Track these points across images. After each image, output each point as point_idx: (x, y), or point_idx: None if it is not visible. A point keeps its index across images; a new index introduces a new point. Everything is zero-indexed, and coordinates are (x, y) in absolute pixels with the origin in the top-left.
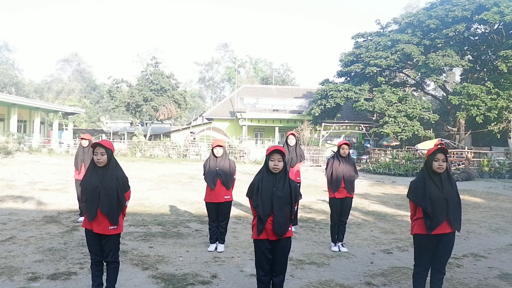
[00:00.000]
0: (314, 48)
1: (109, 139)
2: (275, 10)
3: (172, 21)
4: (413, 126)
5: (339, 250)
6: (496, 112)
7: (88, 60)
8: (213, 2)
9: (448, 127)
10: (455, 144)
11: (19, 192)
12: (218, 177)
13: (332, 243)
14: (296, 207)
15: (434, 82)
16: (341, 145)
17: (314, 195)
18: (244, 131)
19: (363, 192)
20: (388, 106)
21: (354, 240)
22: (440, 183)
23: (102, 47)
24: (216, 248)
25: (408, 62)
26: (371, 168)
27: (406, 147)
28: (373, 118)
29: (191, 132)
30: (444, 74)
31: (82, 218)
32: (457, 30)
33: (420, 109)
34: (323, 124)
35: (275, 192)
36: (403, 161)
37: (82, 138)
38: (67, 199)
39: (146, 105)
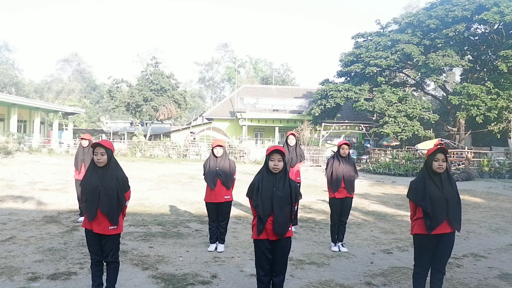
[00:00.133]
0: (314, 48)
1: (109, 139)
2: (275, 10)
3: (172, 21)
4: (413, 126)
5: (339, 250)
6: (496, 112)
7: (88, 60)
8: (213, 2)
9: (448, 127)
10: (455, 144)
11: (19, 192)
12: (218, 177)
13: (332, 243)
14: (296, 207)
15: (434, 82)
16: (341, 145)
17: (314, 195)
18: (244, 131)
19: (363, 192)
20: (388, 106)
21: (354, 240)
22: (440, 183)
23: (102, 47)
24: (216, 248)
25: (408, 62)
26: (371, 168)
27: (406, 147)
28: (373, 118)
29: (191, 132)
30: (444, 74)
31: (82, 218)
32: (457, 30)
33: (420, 109)
34: (323, 124)
35: (275, 192)
36: (403, 161)
37: (82, 138)
38: (67, 199)
39: (146, 105)
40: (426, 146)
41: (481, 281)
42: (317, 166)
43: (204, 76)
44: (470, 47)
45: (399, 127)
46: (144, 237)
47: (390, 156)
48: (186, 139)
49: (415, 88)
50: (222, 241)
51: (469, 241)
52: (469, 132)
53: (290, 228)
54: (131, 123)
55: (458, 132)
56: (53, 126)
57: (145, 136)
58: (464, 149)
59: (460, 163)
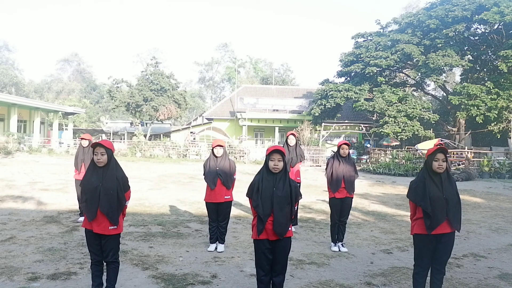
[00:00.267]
0: (314, 48)
1: (109, 139)
2: (275, 10)
3: (172, 21)
4: (413, 126)
5: (339, 250)
6: (496, 112)
7: (88, 60)
8: (213, 2)
9: (448, 127)
10: (455, 144)
11: (19, 192)
12: (218, 177)
13: (332, 243)
14: (296, 207)
15: (434, 82)
16: (341, 145)
17: (314, 195)
18: (244, 131)
19: (363, 192)
20: (388, 106)
21: (354, 240)
22: (440, 183)
23: (102, 47)
24: (216, 248)
25: (408, 62)
26: (371, 168)
27: (406, 147)
28: (373, 118)
29: (191, 132)
30: (444, 74)
31: (82, 218)
32: (457, 30)
33: (420, 109)
34: (323, 124)
35: (275, 192)
36: (403, 161)
37: (82, 138)
38: (67, 199)
39: (146, 105)
40: (426, 146)
41: (481, 281)
42: (317, 166)
43: (204, 76)
44: (470, 47)
45: (399, 127)
46: (144, 237)
47: (390, 156)
48: (186, 139)
49: (415, 88)
50: (222, 241)
51: (469, 241)
52: (469, 132)
53: (290, 228)
54: (131, 123)
55: (458, 132)
56: (53, 126)
57: (145, 136)
58: (464, 149)
59: (460, 163)
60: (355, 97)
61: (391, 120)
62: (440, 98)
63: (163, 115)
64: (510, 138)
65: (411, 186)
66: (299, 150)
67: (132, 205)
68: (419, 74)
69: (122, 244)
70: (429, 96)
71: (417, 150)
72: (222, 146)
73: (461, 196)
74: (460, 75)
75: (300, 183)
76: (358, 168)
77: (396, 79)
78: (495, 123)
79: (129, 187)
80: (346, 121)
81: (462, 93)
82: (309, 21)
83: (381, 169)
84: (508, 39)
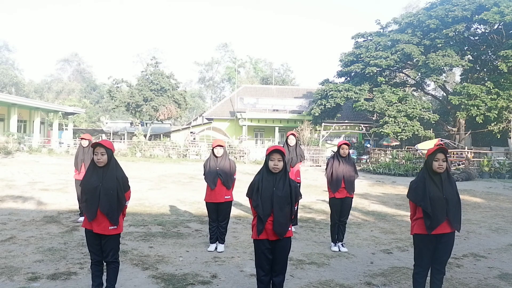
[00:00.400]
0: (314, 48)
1: (109, 139)
2: (275, 10)
3: (172, 21)
4: (413, 126)
5: (339, 250)
6: (496, 112)
7: (88, 60)
8: (213, 2)
9: (448, 127)
10: (455, 144)
11: (19, 192)
12: (219, 177)
13: (332, 243)
14: (296, 207)
15: (434, 82)
16: (341, 145)
17: (314, 195)
18: (244, 131)
19: (363, 192)
20: (388, 106)
21: (354, 240)
22: (440, 183)
23: (102, 47)
24: (216, 248)
25: (408, 62)
26: (371, 168)
27: (406, 147)
28: (373, 118)
29: (191, 132)
30: (444, 74)
31: (82, 218)
32: (457, 30)
33: (420, 109)
34: (323, 124)
35: (275, 192)
36: (403, 161)
37: (82, 138)
38: (67, 199)
39: (146, 105)
40: (426, 146)
41: (481, 281)
42: (317, 166)
43: (204, 76)
44: (470, 47)
45: (399, 127)
46: (144, 237)
47: (390, 156)
48: (186, 139)
49: (415, 88)
50: (222, 241)
51: (469, 241)
52: (469, 132)
53: (290, 228)
54: (131, 123)
55: (458, 132)
56: (53, 126)
57: (145, 136)
58: (464, 149)
59: (460, 163)
60: (355, 97)
61: (391, 120)
62: (440, 98)
63: (163, 115)
64: (510, 138)
65: (411, 186)
66: (299, 150)
67: (132, 205)
68: (419, 74)
69: (122, 244)
70: (429, 96)
71: (417, 150)
72: (222, 146)
73: (461, 196)
74: (460, 75)
75: (300, 183)
76: (358, 168)
77: (396, 79)
78: (495, 123)
79: (129, 187)
80: (346, 121)
81: (462, 93)
82: (309, 21)
83: (381, 169)
84: (508, 39)
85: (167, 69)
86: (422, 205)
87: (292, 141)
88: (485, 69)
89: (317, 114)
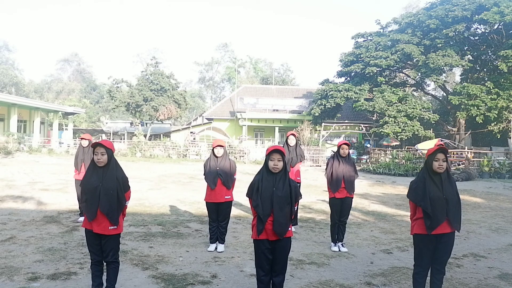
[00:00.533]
0: (314, 48)
1: (109, 139)
2: (275, 10)
3: (172, 21)
4: (413, 126)
5: (339, 250)
6: (496, 112)
7: (88, 60)
8: (213, 2)
9: (448, 127)
10: (455, 144)
11: (19, 192)
12: (219, 177)
13: (332, 243)
14: (296, 207)
15: (434, 82)
16: (341, 145)
17: (314, 195)
18: (244, 131)
19: (363, 192)
20: (388, 106)
21: (354, 240)
22: (440, 183)
23: (102, 47)
24: (216, 248)
25: (408, 62)
26: (371, 168)
27: (406, 147)
28: (373, 118)
29: (191, 132)
30: (444, 74)
31: (82, 218)
32: (457, 30)
33: (420, 109)
34: (323, 124)
35: (275, 192)
36: (403, 161)
37: (82, 138)
38: (67, 199)
39: (146, 105)
40: (426, 146)
41: (481, 281)
42: (317, 166)
43: (204, 76)
44: (470, 47)
45: (399, 127)
46: (144, 237)
47: (390, 156)
48: (186, 139)
49: (415, 88)
50: (222, 241)
51: (469, 241)
52: (469, 132)
53: (290, 228)
54: (131, 123)
55: (458, 132)
56: (53, 126)
57: (145, 136)
58: (464, 149)
59: (460, 163)
60: (355, 97)
61: (391, 120)
62: (440, 98)
63: (163, 115)
64: (510, 138)
65: (411, 186)
66: (299, 150)
67: (132, 205)
68: (419, 74)
69: (122, 244)
70: (429, 96)
71: (417, 150)
72: (222, 146)
73: (461, 196)
74: (460, 75)
75: (300, 183)
76: (358, 168)
77: (396, 79)
78: (495, 123)
79: (129, 187)
80: (346, 121)
81: (462, 93)
82: (309, 21)
83: (381, 169)
84: (508, 39)
85: (167, 69)
86: (422, 205)
87: (292, 141)
88: (485, 69)
89: (317, 114)
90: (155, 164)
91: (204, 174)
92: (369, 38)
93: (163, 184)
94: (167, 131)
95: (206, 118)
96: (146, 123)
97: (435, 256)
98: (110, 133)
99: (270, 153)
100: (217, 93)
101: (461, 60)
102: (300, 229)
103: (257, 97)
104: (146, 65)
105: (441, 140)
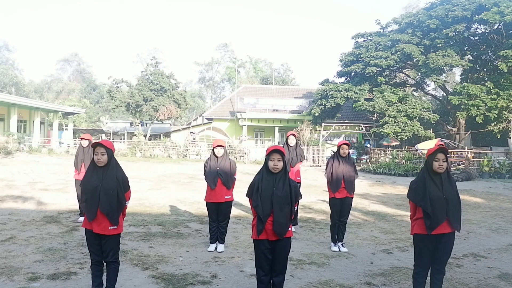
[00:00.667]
0: (314, 48)
1: (109, 139)
2: (275, 10)
3: (172, 21)
4: (413, 126)
5: (339, 250)
6: (496, 112)
7: (88, 60)
8: (213, 2)
9: (448, 127)
10: (455, 144)
11: (19, 192)
12: (219, 177)
13: (332, 243)
14: (296, 207)
15: (434, 82)
16: (341, 145)
17: (314, 195)
18: (244, 131)
19: (363, 192)
20: (388, 106)
21: (354, 240)
22: (440, 183)
23: (102, 47)
24: (216, 248)
25: (408, 62)
26: (371, 168)
27: (406, 147)
28: (373, 118)
29: (191, 132)
30: (444, 74)
31: (82, 218)
32: (457, 30)
33: (420, 109)
34: (323, 124)
35: (275, 192)
36: (403, 161)
37: (82, 138)
38: (67, 199)
39: (146, 105)
40: (426, 146)
41: (481, 281)
42: (317, 166)
43: (204, 76)
44: (470, 47)
45: (399, 127)
46: (144, 237)
47: (390, 156)
48: (186, 139)
49: (415, 88)
50: (222, 241)
51: (469, 241)
52: (469, 132)
53: (290, 228)
54: (131, 123)
55: (458, 132)
56: (53, 126)
57: (145, 136)
58: (464, 149)
59: (460, 163)
60: (355, 97)
61: (391, 120)
62: (440, 98)
63: (163, 115)
64: (510, 138)
65: (411, 186)
66: (299, 150)
67: (132, 205)
68: (419, 74)
69: (122, 244)
70: (429, 96)
71: (417, 150)
72: (222, 146)
73: (461, 196)
74: (460, 75)
75: (300, 183)
76: (358, 168)
77: (396, 79)
78: (495, 123)
79: (129, 187)
80: (346, 121)
81: (462, 93)
82: (309, 21)
83: (381, 169)
84: (508, 39)
85: (167, 69)
86: (422, 205)
87: (292, 141)
88: (485, 69)
89: (317, 114)
90: (155, 164)
91: (204, 174)
92: (369, 38)
93: (163, 184)
94: (167, 131)
95: (206, 118)
96: (146, 123)
97: (435, 256)
98: (110, 133)
99: (270, 153)
100: (217, 93)
101: (461, 60)
102: (300, 229)
103: (257, 97)
104: (146, 65)
105: (441, 140)
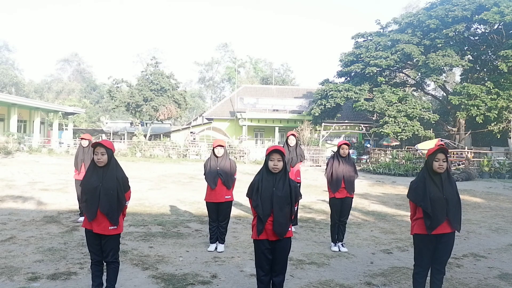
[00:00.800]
0: (314, 48)
1: (109, 139)
2: (275, 10)
3: (172, 21)
4: (413, 126)
5: (339, 250)
6: (496, 112)
7: (88, 60)
8: (213, 2)
9: (448, 127)
10: (455, 144)
11: (19, 192)
12: (219, 177)
13: (332, 243)
14: (296, 207)
15: (434, 82)
16: (341, 145)
17: (314, 195)
18: (244, 131)
19: (363, 192)
20: (388, 106)
21: (354, 240)
22: (440, 183)
23: (102, 47)
24: (216, 248)
25: (408, 62)
26: (371, 168)
27: (406, 147)
28: (373, 118)
29: (191, 132)
30: (444, 74)
31: (82, 218)
32: (457, 30)
33: (420, 109)
34: (323, 124)
35: (275, 192)
36: (403, 161)
37: (82, 138)
38: (67, 199)
39: (146, 105)
40: (426, 146)
41: (481, 281)
42: (317, 166)
43: (204, 76)
44: (470, 47)
45: (399, 127)
46: (144, 237)
47: (390, 156)
48: (186, 139)
49: (415, 88)
50: (222, 241)
51: (469, 241)
52: (469, 132)
53: (290, 228)
54: (131, 123)
55: (458, 132)
56: (53, 126)
57: (145, 136)
58: (464, 149)
59: (460, 163)
60: (355, 97)
61: (391, 120)
62: (440, 98)
63: (163, 115)
64: (510, 138)
65: (411, 186)
66: (299, 150)
67: (132, 205)
68: (419, 74)
69: (122, 244)
70: (429, 96)
71: (417, 150)
72: (223, 146)
73: (461, 196)
74: (460, 75)
75: (300, 183)
76: (358, 168)
77: (396, 79)
78: (495, 123)
79: (129, 187)
80: (346, 121)
81: (462, 93)
82: (309, 21)
83: (381, 169)
84: (508, 39)
85: (167, 69)
86: (422, 205)
87: (292, 141)
88: (485, 69)
89: (317, 114)
90: (155, 164)
91: (204, 174)
92: (369, 38)
93: (163, 184)
94: (167, 131)
95: (206, 118)
96: (146, 123)
97: (435, 256)
98: (110, 133)
99: (270, 153)
100: (217, 93)
101: (461, 60)
102: (300, 229)
103: (257, 97)
104: (146, 65)
105: (441, 140)
